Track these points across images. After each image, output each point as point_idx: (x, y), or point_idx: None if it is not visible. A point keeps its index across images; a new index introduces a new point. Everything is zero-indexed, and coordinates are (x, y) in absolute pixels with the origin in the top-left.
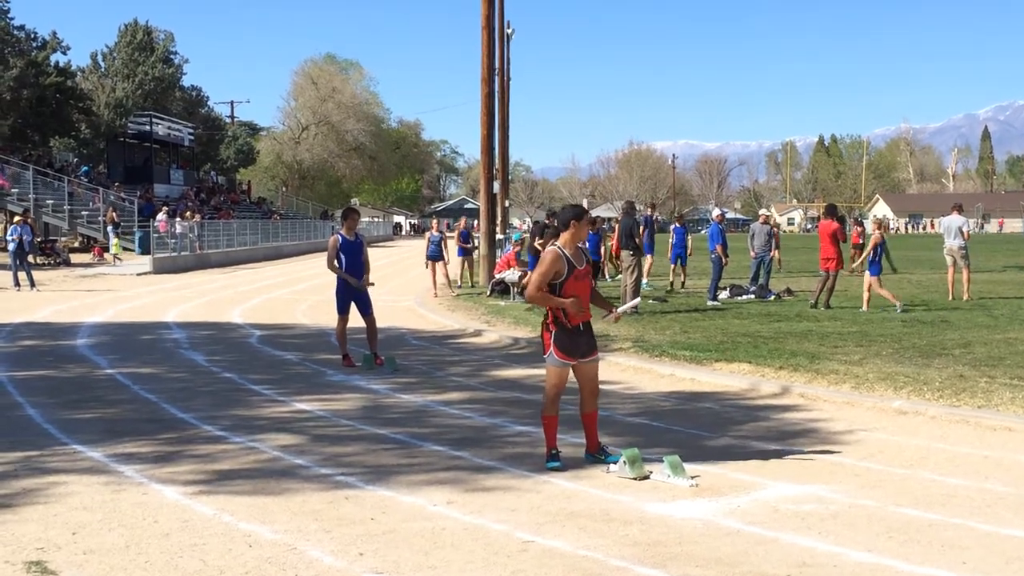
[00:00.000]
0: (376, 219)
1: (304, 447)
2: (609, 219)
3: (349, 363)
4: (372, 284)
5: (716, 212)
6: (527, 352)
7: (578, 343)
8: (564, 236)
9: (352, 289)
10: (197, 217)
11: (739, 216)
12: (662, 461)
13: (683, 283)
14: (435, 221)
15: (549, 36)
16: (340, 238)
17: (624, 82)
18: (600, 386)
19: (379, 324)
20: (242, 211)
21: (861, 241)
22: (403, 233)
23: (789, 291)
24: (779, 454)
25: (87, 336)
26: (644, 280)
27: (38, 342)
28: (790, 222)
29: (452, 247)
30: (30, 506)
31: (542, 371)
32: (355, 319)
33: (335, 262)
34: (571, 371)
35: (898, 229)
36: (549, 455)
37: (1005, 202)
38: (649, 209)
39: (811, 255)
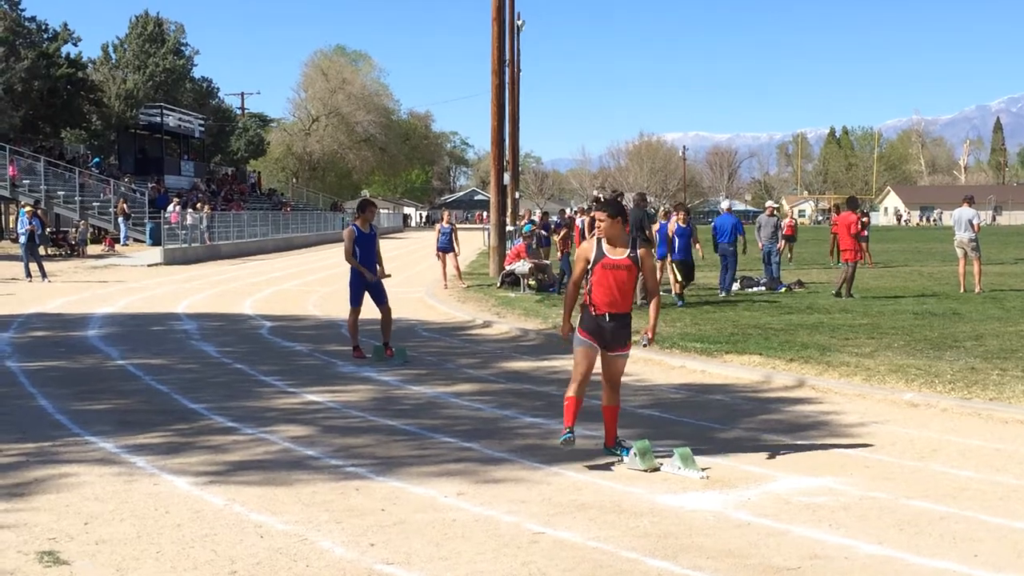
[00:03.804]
0: (386, 211)
1: (314, 438)
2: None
3: (359, 355)
4: (389, 275)
5: (724, 204)
6: (537, 344)
7: (603, 329)
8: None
9: (366, 280)
10: (207, 208)
11: (749, 208)
12: (673, 453)
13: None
14: (446, 213)
15: (559, 28)
16: (356, 229)
17: (635, 74)
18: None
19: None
20: (252, 203)
21: (866, 233)
22: (412, 225)
23: (800, 283)
24: (790, 446)
25: (98, 327)
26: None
27: (49, 333)
28: (801, 214)
29: (463, 238)
30: (42, 496)
31: (552, 363)
32: (367, 311)
33: (353, 256)
34: (598, 359)
35: (908, 221)
36: (565, 430)
37: (1017, 194)
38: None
39: (821, 247)
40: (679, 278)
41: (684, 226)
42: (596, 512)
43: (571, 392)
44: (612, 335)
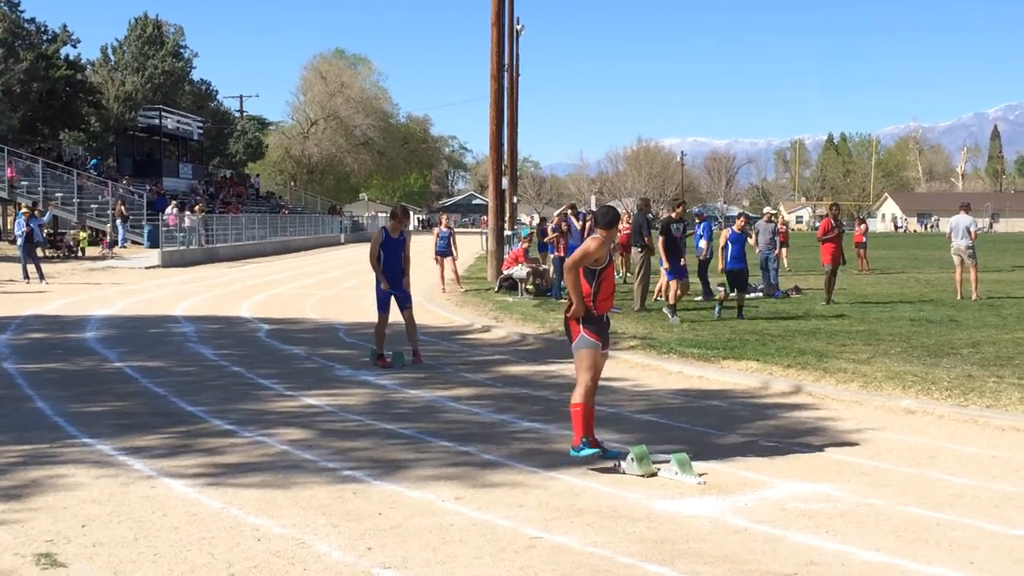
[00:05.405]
0: (384, 214)
1: (312, 442)
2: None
3: (384, 364)
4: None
5: (695, 209)
6: (535, 348)
7: (604, 329)
8: (605, 233)
9: (391, 285)
10: (202, 212)
11: (747, 214)
12: (670, 459)
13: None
14: (444, 217)
15: (558, 32)
16: (384, 233)
17: (633, 79)
18: (608, 383)
19: (388, 320)
20: (251, 206)
21: (864, 239)
22: (410, 228)
23: (797, 289)
24: (787, 452)
25: (96, 329)
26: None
27: (47, 335)
28: (799, 220)
29: (462, 243)
30: (39, 498)
31: (550, 367)
32: (371, 316)
33: (376, 259)
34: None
35: (906, 228)
36: (581, 443)
37: (1014, 201)
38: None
39: (818, 252)
40: (728, 288)
41: (739, 232)
42: (593, 517)
43: (581, 399)
44: (608, 335)
